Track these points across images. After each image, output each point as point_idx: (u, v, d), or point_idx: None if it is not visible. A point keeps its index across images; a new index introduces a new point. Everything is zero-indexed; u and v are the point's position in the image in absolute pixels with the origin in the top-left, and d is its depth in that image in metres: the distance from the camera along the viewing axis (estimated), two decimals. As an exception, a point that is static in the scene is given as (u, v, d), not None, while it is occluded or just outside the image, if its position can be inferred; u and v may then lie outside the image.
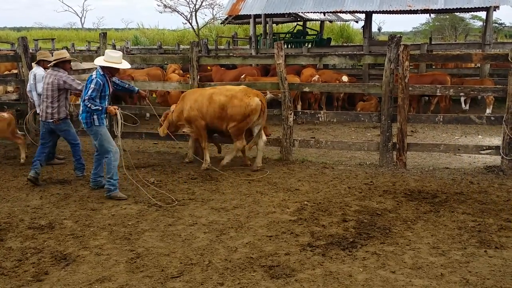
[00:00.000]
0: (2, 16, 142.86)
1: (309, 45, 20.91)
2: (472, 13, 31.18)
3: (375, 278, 4.30)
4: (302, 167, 7.93)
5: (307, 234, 5.24)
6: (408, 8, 15.16)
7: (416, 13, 16.98)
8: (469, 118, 7.82)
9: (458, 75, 15.10)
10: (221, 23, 31.27)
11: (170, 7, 32.09)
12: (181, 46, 24.59)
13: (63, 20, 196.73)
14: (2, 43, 32.74)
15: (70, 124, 7.48)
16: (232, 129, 7.60)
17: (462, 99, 13.72)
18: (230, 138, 8.06)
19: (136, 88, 7.37)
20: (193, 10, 31.46)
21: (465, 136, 10.60)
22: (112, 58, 6.51)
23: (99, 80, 6.38)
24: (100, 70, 6.49)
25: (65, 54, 7.30)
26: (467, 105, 13.73)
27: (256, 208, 6.06)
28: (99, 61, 6.55)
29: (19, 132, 8.48)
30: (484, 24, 16.12)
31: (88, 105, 6.32)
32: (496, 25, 39.84)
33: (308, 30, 26.00)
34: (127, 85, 7.28)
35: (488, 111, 12.30)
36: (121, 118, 6.57)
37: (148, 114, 12.35)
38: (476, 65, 15.66)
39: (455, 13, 34.12)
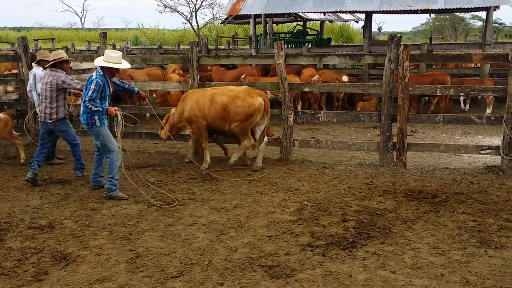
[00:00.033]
0: (2, 16, 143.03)
1: (309, 45, 20.89)
2: (472, 13, 31.21)
3: (375, 278, 4.30)
4: (302, 167, 7.93)
5: (307, 234, 5.25)
6: (408, 8, 15.16)
7: (416, 13, 16.97)
8: (469, 118, 7.82)
9: (458, 75, 15.11)
10: (221, 23, 31.26)
11: (170, 7, 32.10)
12: (181, 46, 24.59)
13: (63, 20, 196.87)
14: (2, 43, 32.73)
15: (69, 124, 7.48)
16: (236, 129, 7.58)
17: (462, 99, 13.75)
18: (234, 138, 8.07)
19: (136, 89, 7.33)
20: (193, 10, 31.48)
21: (465, 136, 10.60)
22: (112, 58, 6.50)
23: (99, 80, 6.37)
24: (100, 71, 6.48)
25: (62, 54, 7.28)
26: (467, 105, 13.75)
27: (256, 208, 6.06)
28: (99, 62, 6.53)
29: (15, 132, 8.48)
30: (484, 24, 16.12)
31: (89, 106, 6.31)
32: (496, 25, 39.86)
33: (308, 30, 26.00)
34: (127, 85, 7.27)
35: (488, 111, 12.30)
36: (121, 119, 6.57)
37: (148, 114, 12.36)
38: (476, 65, 15.66)
39: (455, 13, 34.13)
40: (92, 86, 6.33)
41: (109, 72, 6.56)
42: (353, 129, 11.58)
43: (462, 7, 15.88)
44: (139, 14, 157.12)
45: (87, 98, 6.30)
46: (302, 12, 19.55)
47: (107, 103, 6.55)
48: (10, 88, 10.96)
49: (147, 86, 10.07)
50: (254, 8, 16.92)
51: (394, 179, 7.23)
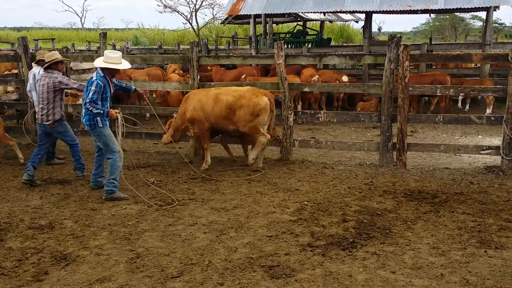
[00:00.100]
0: (2, 16, 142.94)
1: (309, 45, 20.90)
2: (472, 13, 31.18)
3: (375, 278, 4.30)
4: (302, 167, 7.93)
5: (307, 234, 5.24)
6: (408, 8, 15.16)
7: (416, 13, 16.98)
8: (469, 118, 7.82)
9: (458, 75, 15.12)
10: (221, 23, 31.27)
11: (170, 7, 32.02)
12: (181, 46, 24.58)
13: (63, 20, 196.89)
14: (2, 43, 32.74)
15: (66, 125, 7.46)
16: (245, 129, 7.52)
17: (460, 98, 13.78)
18: (239, 138, 8.06)
19: (133, 87, 7.36)
20: (193, 10, 31.43)
21: (465, 136, 10.61)
22: (111, 58, 6.48)
23: (99, 82, 6.35)
24: (100, 72, 6.46)
25: (56, 55, 7.26)
26: (467, 106, 13.76)
27: (256, 208, 6.06)
28: (99, 62, 6.50)
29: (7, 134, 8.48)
30: (484, 24, 16.12)
31: (89, 108, 6.30)
32: (496, 25, 39.84)
33: (308, 30, 26.00)
34: (124, 84, 7.25)
35: (488, 111, 12.30)
36: (122, 121, 6.55)
37: (148, 114, 12.36)
38: (476, 65, 15.66)
39: (455, 13, 34.11)
40: (93, 88, 6.31)
41: (109, 72, 6.54)
42: (353, 129, 11.58)
43: (462, 7, 15.88)
44: (139, 14, 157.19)
45: (88, 100, 6.29)
46: (302, 12, 19.56)
47: (108, 104, 6.55)
48: (10, 88, 10.96)
49: (147, 86, 10.06)
50: (254, 8, 16.92)
51: (394, 179, 7.23)
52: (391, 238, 5.13)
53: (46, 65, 7.18)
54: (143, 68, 15.41)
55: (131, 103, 12.19)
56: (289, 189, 6.79)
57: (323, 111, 10.15)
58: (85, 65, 12.52)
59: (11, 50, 20.97)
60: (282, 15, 19.40)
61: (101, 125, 6.46)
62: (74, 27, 69.52)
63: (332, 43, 26.66)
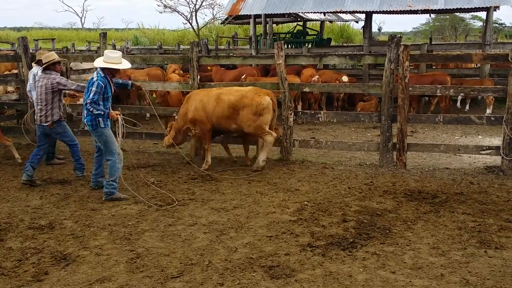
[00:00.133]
0: (2, 16, 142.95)
1: (309, 45, 20.89)
2: (472, 13, 31.19)
3: (375, 278, 4.30)
4: (302, 167, 7.93)
5: (307, 235, 5.24)
6: (408, 8, 15.17)
7: (416, 13, 16.99)
8: (469, 119, 7.82)
9: (458, 75, 15.13)
10: (221, 23, 31.28)
11: (170, 7, 32.02)
12: (181, 46, 24.58)
13: (63, 20, 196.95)
14: (2, 43, 32.73)
15: (65, 126, 7.45)
16: (250, 130, 7.50)
17: (459, 98, 13.80)
18: (240, 138, 8.04)
19: (130, 82, 7.34)
20: (193, 10, 31.41)
21: (465, 137, 10.61)
22: (111, 58, 6.47)
23: (100, 82, 6.35)
24: (100, 72, 6.44)
25: (53, 56, 7.24)
26: (467, 106, 13.77)
27: (256, 208, 6.06)
28: (99, 62, 6.49)
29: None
30: (484, 24, 16.13)
31: (90, 109, 6.29)
32: (496, 25, 39.83)
33: (308, 30, 26.01)
34: (120, 81, 7.25)
35: (488, 111, 12.31)
36: (122, 123, 6.54)
37: (148, 115, 12.36)
38: (476, 65, 15.67)
39: (455, 13, 34.11)
40: (94, 89, 6.30)
41: (109, 72, 6.53)
42: (353, 129, 11.58)
43: (462, 7, 15.89)
44: (139, 14, 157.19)
45: (89, 101, 6.28)
46: (302, 12, 19.56)
47: (109, 104, 6.55)
48: (10, 88, 10.96)
49: (147, 86, 10.06)
50: (254, 8, 16.92)
51: (394, 179, 7.23)
52: (391, 238, 5.13)
53: (43, 66, 7.17)
54: (143, 68, 15.41)
55: (130, 103, 12.19)
56: (289, 189, 6.79)
57: (323, 111, 10.15)
58: (85, 65, 12.52)
59: (11, 50, 20.98)
60: (282, 15, 19.39)
61: (103, 126, 6.45)
62: (74, 27, 69.61)
63: (332, 43, 26.66)
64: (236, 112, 7.48)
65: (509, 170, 7.38)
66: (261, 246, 4.97)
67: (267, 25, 19.44)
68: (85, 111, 6.43)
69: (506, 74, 7.57)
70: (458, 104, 13.97)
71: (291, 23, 28.05)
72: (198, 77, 8.96)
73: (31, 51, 10.10)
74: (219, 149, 8.86)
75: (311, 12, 19.21)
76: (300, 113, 9.08)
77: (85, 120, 6.50)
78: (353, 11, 17.08)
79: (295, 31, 25.28)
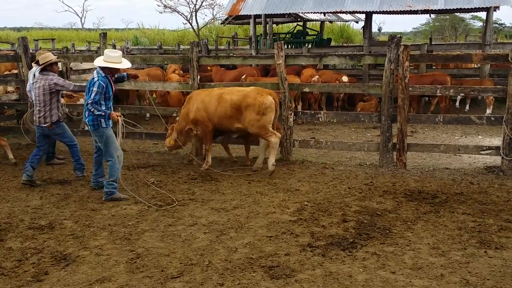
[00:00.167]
0: (2, 16, 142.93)
1: (309, 46, 20.90)
2: (472, 13, 31.20)
3: (375, 278, 4.30)
4: (302, 168, 7.93)
5: (307, 235, 5.24)
6: (408, 9, 15.17)
7: (416, 14, 17.00)
8: (469, 119, 7.82)
9: (458, 75, 15.13)
10: (221, 23, 31.28)
11: (170, 7, 32.05)
12: (181, 46, 24.58)
13: (63, 20, 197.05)
14: (2, 43, 32.73)
15: (64, 126, 7.45)
16: (254, 130, 7.45)
17: (458, 98, 13.80)
18: (242, 138, 8.03)
19: (125, 73, 7.20)
20: (193, 10, 31.44)
21: (465, 137, 10.61)
22: (112, 58, 6.46)
23: (101, 82, 6.34)
24: (101, 72, 6.43)
25: (50, 57, 7.23)
26: (467, 106, 13.77)
27: (256, 209, 6.06)
28: (99, 62, 6.48)
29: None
30: (484, 24, 16.13)
31: (91, 110, 6.29)
32: (496, 25, 39.86)
33: (308, 30, 26.01)
34: (116, 75, 7.20)
35: (488, 111, 12.31)
36: (123, 124, 6.54)
37: (148, 115, 12.35)
38: (476, 65, 15.67)
39: (455, 14, 34.10)
40: (95, 89, 6.30)
41: (110, 72, 6.53)
42: (353, 129, 11.58)
43: (462, 8, 15.89)
44: (139, 14, 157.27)
45: (90, 101, 6.28)
46: (302, 13, 19.57)
47: (111, 103, 6.54)
48: (10, 88, 10.96)
49: (147, 86, 10.07)
50: (254, 9, 16.92)
51: (394, 179, 7.23)
52: (391, 238, 5.13)
53: (40, 67, 7.16)
54: (143, 68, 15.40)
55: (130, 103, 12.18)
56: (289, 190, 6.79)
57: (323, 111, 10.15)
58: (85, 65, 12.51)
59: (11, 50, 20.97)
60: (282, 15, 19.39)
61: (105, 126, 6.45)
62: (74, 27, 69.62)
63: (332, 43, 26.67)
64: (238, 112, 7.46)
65: (509, 170, 7.38)
66: (261, 246, 4.97)
67: (267, 25, 19.44)
68: (87, 111, 6.43)
69: (506, 74, 7.57)
70: (457, 103, 13.99)
71: (291, 23, 28.06)
72: (198, 77, 8.95)
73: (31, 51, 10.09)
74: (219, 149, 8.86)
75: (311, 12, 19.22)
76: (300, 113, 9.08)
77: (87, 120, 6.50)
78: (353, 11, 17.08)
79: (295, 31, 25.29)
